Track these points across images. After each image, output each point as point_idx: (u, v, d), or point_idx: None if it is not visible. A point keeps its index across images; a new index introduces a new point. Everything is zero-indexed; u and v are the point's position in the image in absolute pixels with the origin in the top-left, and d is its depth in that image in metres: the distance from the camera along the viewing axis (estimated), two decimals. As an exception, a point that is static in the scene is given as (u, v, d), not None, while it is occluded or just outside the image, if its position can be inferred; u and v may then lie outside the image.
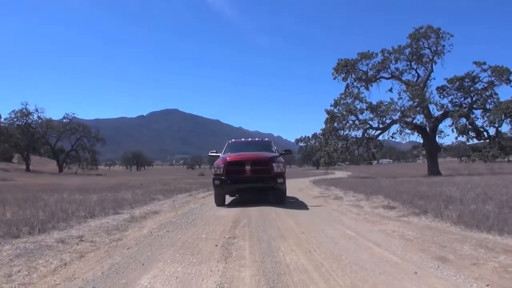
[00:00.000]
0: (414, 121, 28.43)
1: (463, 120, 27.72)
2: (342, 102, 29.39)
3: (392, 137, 29.93)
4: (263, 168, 8.72)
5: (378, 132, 29.45)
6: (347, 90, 30.59)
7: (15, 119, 56.35)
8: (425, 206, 6.75)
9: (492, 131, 27.71)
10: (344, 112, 28.73)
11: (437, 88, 29.45)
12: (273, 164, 8.75)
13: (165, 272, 3.20)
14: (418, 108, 27.68)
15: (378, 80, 30.79)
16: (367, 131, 29.39)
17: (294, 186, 16.50)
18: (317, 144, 30.51)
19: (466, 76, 27.97)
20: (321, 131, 31.46)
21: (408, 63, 30.04)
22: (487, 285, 2.76)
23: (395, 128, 28.97)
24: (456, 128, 27.62)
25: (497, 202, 6.56)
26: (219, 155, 10.00)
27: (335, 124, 29.04)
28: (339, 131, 29.31)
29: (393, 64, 30.15)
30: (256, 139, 13.11)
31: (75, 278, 3.09)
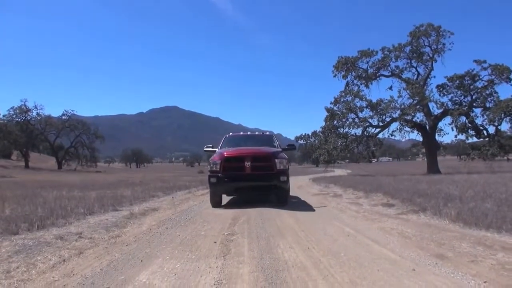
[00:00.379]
0: (414, 119, 28.42)
1: (463, 119, 27.72)
2: (342, 100, 29.38)
3: (392, 135, 29.92)
4: (264, 165, 7.90)
5: (378, 130, 29.45)
6: (347, 88, 30.57)
7: (14, 116, 56.37)
8: (424, 204, 6.75)
9: (491, 129, 27.70)
10: (344, 110, 28.72)
11: (437, 86, 29.42)
12: (276, 160, 7.88)
13: (164, 269, 3.21)
14: (418, 106, 27.65)
15: (378, 78, 30.76)
16: (367, 129, 29.39)
17: (293, 184, 16.48)
18: (316, 142, 30.56)
19: (466, 74, 27.95)
20: (320, 129, 31.45)
21: (408, 61, 30.02)
22: (485, 282, 2.76)
23: (394, 126, 28.97)
24: (456, 126, 27.61)
25: (496, 200, 6.56)
26: (216, 150, 9.15)
27: (335, 122, 29.04)
28: (338, 129, 29.31)
29: (393, 62, 30.14)
30: (256, 132, 11.78)
31: (73, 275, 3.09)
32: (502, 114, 25.99)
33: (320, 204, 8.48)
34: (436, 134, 28.62)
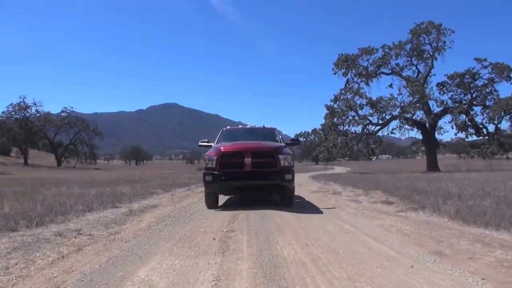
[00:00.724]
0: (413, 117, 28.44)
1: (463, 117, 27.77)
2: (342, 97, 29.42)
3: (392, 133, 30.01)
4: (266, 161, 7.14)
5: (378, 127, 29.49)
6: (347, 85, 30.59)
7: (13, 113, 56.30)
8: (423, 202, 6.78)
9: (491, 128, 27.77)
10: (344, 108, 28.74)
11: (437, 84, 29.46)
12: (279, 156, 7.07)
13: (163, 265, 3.21)
14: (418, 104, 27.67)
15: (378, 76, 30.81)
16: (367, 127, 29.42)
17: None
18: (316, 139, 30.54)
19: (467, 73, 27.95)
20: (320, 126, 31.47)
21: (409, 59, 30.05)
22: (483, 279, 2.77)
23: (394, 124, 29.04)
24: (456, 124, 27.66)
25: (495, 198, 6.58)
26: (212, 145, 8.27)
27: (335, 120, 29.07)
28: (338, 127, 29.35)
29: (393, 59, 30.21)
30: (256, 126, 10.37)
31: (72, 271, 3.09)
32: (502, 113, 26.02)
33: (319, 202, 8.49)
34: (436, 132, 28.67)
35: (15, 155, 61.51)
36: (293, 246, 3.83)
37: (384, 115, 28.62)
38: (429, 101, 28.16)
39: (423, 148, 36.36)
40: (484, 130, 28.02)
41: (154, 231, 4.83)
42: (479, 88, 27.94)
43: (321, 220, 5.62)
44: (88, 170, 47.24)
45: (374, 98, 28.54)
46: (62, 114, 62.23)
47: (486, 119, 27.42)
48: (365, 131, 29.36)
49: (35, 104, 57.45)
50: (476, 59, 27.85)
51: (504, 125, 28.15)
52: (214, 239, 4.26)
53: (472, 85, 28.16)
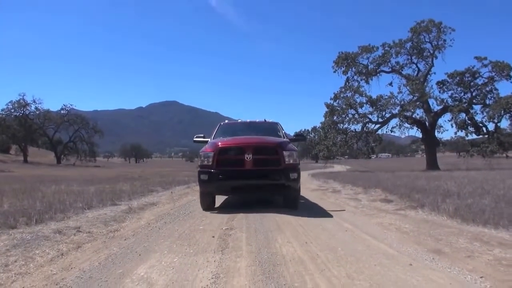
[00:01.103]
0: (413, 116, 28.50)
1: (463, 115, 27.80)
2: (342, 95, 29.45)
3: (391, 131, 30.07)
4: (269, 158, 6.42)
5: (378, 126, 29.51)
6: (347, 83, 30.59)
7: (13, 110, 56.35)
8: (422, 200, 6.79)
9: (491, 126, 27.84)
10: (344, 106, 28.78)
11: (437, 83, 29.49)
12: (284, 153, 6.37)
13: (162, 263, 3.22)
14: (418, 103, 27.71)
15: (378, 74, 30.81)
16: (367, 125, 29.47)
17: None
18: (316, 137, 30.56)
19: (467, 71, 27.97)
20: (320, 125, 31.51)
21: (409, 57, 30.06)
22: (481, 277, 2.78)
23: (394, 122, 29.09)
24: (456, 123, 27.69)
25: (494, 197, 6.59)
26: (208, 141, 7.59)
27: (335, 118, 29.10)
28: (338, 125, 29.37)
29: (393, 58, 30.22)
30: (257, 120, 9.32)
31: (72, 268, 3.10)
32: (502, 111, 26.05)
33: (319, 200, 8.50)
34: (436, 130, 28.72)
35: (14, 153, 61.75)
36: (292, 244, 3.84)
37: (384, 113, 28.67)
38: (429, 100, 28.22)
39: (422, 146, 36.42)
40: (484, 129, 28.08)
41: (153, 229, 4.83)
42: (479, 87, 27.97)
43: (320, 218, 5.63)
44: (87, 167, 47.24)
45: (374, 96, 28.60)
46: (62, 111, 62.33)
47: (486, 117, 27.50)
48: (364, 129, 29.39)
49: (34, 101, 57.45)
50: (476, 57, 27.89)
51: (504, 123, 28.33)
52: (213, 237, 4.27)
53: (472, 83, 28.19)
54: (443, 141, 31.67)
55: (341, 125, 29.46)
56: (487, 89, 27.70)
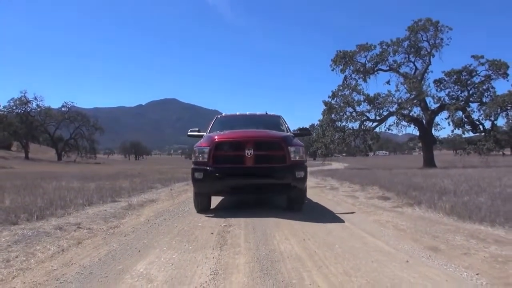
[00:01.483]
0: (411, 114, 28.58)
1: (460, 113, 27.89)
2: (340, 93, 29.51)
3: (389, 129, 30.12)
4: (273, 154, 5.72)
5: (375, 124, 29.61)
6: (345, 81, 30.63)
7: (14, 107, 57.36)
8: (419, 197, 6.83)
9: (487, 124, 27.91)
10: (342, 104, 28.86)
11: (435, 81, 29.57)
12: (290, 148, 5.63)
13: (161, 259, 3.24)
14: (415, 101, 27.77)
15: (376, 72, 30.83)
16: (364, 123, 29.55)
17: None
18: (314, 135, 30.55)
19: (464, 70, 28.06)
20: (318, 122, 31.57)
21: (406, 55, 30.12)
22: (477, 274, 2.81)
23: (392, 120, 29.18)
24: (452, 121, 27.76)
25: (490, 194, 6.64)
26: (203, 135, 6.86)
27: (333, 116, 29.16)
28: (336, 123, 29.44)
29: (391, 56, 30.25)
30: (258, 113, 8.56)
31: (72, 264, 3.12)
32: (499, 109, 26.15)
33: (316, 197, 8.53)
34: (433, 128, 28.81)
35: (16, 149, 62.19)
36: (290, 241, 3.87)
37: (381, 111, 28.78)
38: (426, 98, 28.28)
39: (419, 144, 36.54)
40: (481, 127, 28.17)
41: (152, 225, 4.86)
42: (476, 85, 28.05)
43: (318, 216, 5.66)
44: (88, 164, 47.28)
45: (371, 94, 28.70)
46: (63, 109, 63.07)
47: (482, 115, 27.59)
48: (362, 127, 29.48)
49: (36, 98, 58.57)
50: (473, 56, 27.96)
51: (501, 121, 28.37)
52: (212, 233, 4.30)
53: (469, 82, 28.27)
54: (440, 139, 31.76)
55: (339, 123, 29.56)
56: (484, 87, 27.79)
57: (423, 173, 14.88)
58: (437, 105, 28.72)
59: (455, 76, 28.27)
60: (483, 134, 27.89)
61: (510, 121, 26.91)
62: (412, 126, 29.36)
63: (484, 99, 27.70)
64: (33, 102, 58.36)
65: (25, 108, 57.85)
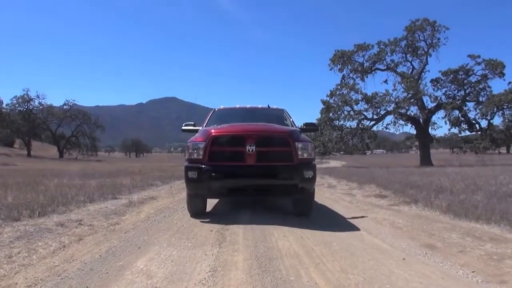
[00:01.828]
0: (408, 113, 28.74)
1: (456, 112, 28.07)
2: (337, 92, 29.59)
3: (386, 128, 30.32)
4: (278, 151, 4.97)
5: (373, 122, 29.74)
6: (343, 81, 30.75)
7: (17, 105, 58.01)
8: (415, 196, 6.88)
9: (484, 123, 28.09)
10: (340, 103, 28.93)
11: (431, 80, 29.71)
12: (297, 144, 4.88)
13: (161, 256, 3.27)
14: (412, 100, 27.90)
15: (373, 72, 30.99)
16: (362, 122, 29.66)
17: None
18: (312, 133, 30.58)
19: (460, 69, 28.18)
20: (316, 121, 31.62)
21: (404, 55, 30.28)
22: (473, 272, 2.86)
23: (389, 119, 29.35)
24: (449, 120, 27.95)
25: (486, 193, 6.70)
26: (199, 130, 5.93)
27: (331, 115, 29.25)
28: (334, 121, 29.52)
29: (388, 56, 30.43)
30: (260, 106, 7.68)
31: (73, 260, 3.15)
32: (495, 108, 26.31)
33: (314, 194, 8.54)
34: (430, 127, 28.98)
35: (18, 147, 62.66)
36: (288, 239, 3.90)
37: (379, 110, 28.92)
38: (423, 97, 28.40)
39: (416, 143, 36.68)
40: (477, 126, 28.32)
41: (153, 222, 4.89)
42: (473, 84, 28.19)
43: (315, 213, 5.69)
44: (89, 162, 47.21)
45: (369, 93, 28.84)
46: (65, 107, 63.59)
47: (479, 114, 27.76)
48: (360, 126, 29.58)
49: (38, 96, 59.09)
50: (470, 55, 28.10)
51: (497, 120, 28.47)
52: (211, 230, 4.32)
53: (465, 81, 28.41)
54: (436, 137, 31.96)
55: (337, 121, 29.67)
56: (480, 86, 27.95)
57: (420, 171, 14.95)
58: (434, 104, 28.90)
59: (451, 76, 28.41)
60: (479, 133, 28.04)
61: (506, 120, 27.08)
62: (409, 125, 29.54)
63: (480, 98, 27.86)
64: (36, 100, 58.93)
65: (28, 106, 58.30)
